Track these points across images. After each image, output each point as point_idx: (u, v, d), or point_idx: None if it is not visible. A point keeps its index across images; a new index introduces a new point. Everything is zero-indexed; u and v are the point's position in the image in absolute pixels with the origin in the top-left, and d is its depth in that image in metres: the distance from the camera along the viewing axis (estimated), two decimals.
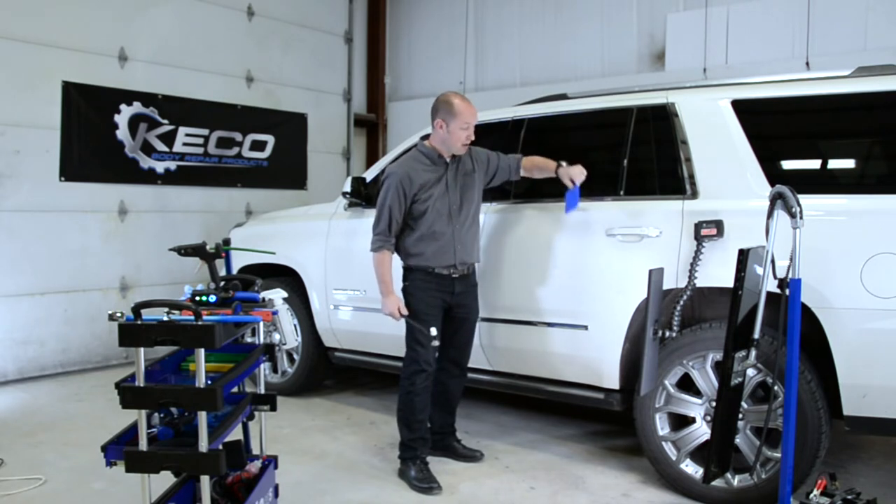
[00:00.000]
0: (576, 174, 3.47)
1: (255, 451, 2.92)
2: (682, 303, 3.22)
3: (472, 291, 3.66)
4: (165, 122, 6.14)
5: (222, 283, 2.74)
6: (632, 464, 3.73)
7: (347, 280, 4.49)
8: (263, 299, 2.74)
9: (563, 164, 3.54)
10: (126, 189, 5.96)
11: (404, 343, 3.56)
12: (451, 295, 3.53)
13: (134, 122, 5.94)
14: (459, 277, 3.53)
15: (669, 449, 3.31)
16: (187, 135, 6.33)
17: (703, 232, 3.11)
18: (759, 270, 2.77)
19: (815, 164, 3.39)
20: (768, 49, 5.67)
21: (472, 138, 3.49)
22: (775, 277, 2.68)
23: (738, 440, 3.10)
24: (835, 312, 2.89)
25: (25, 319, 5.42)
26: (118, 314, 2.27)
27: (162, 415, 2.38)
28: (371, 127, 8.46)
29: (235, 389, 2.67)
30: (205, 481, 2.30)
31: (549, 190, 3.80)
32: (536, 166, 3.66)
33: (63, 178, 5.55)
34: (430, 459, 3.57)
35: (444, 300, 3.51)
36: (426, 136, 3.62)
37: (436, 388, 3.64)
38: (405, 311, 3.46)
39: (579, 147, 4.17)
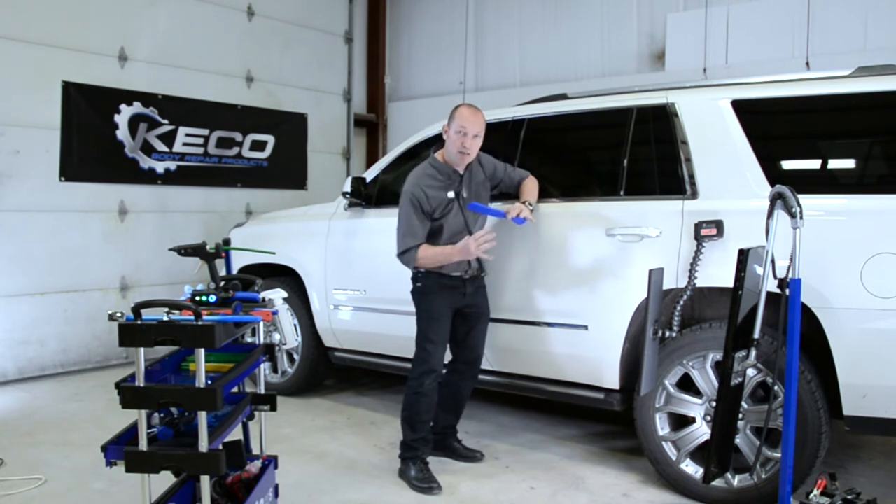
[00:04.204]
0: (515, 212, 3.39)
1: (255, 451, 2.93)
2: (682, 303, 3.22)
3: (483, 291, 3.67)
4: (165, 122, 6.14)
5: (222, 283, 2.74)
6: (632, 464, 3.73)
7: (347, 280, 4.49)
8: (263, 299, 2.74)
9: (529, 203, 3.49)
10: (126, 189, 5.96)
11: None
12: (463, 296, 3.53)
13: (134, 122, 5.94)
14: (471, 279, 3.54)
15: (669, 449, 3.31)
16: (187, 135, 6.33)
17: (703, 232, 3.12)
18: (759, 270, 2.76)
19: (815, 164, 3.39)
20: (768, 49, 5.67)
21: (470, 150, 3.40)
22: (775, 277, 2.68)
23: (738, 440, 3.10)
24: (835, 312, 2.89)
25: (25, 319, 5.42)
26: (118, 314, 2.27)
27: (162, 415, 2.38)
28: (371, 127, 8.46)
29: (235, 389, 2.67)
30: (205, 481, 2.30)
31: (551, 190, 3.81)
32: (521, 191, 3.66)
33: (63, 178, 5.55)
34: (431, 459, 3.57)
35: (455, 301, 3.51)
36: (438, 149, 3.57)
37: (445, 389, 3.63)
38: (487, 237, 3.31)
39: (579, 147, 4.17)
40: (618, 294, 3.40)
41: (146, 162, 6.06)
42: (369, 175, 4.50)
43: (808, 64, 5.43)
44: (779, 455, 2.90)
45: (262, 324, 2.78)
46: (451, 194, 3.44)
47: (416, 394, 3.48)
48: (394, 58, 8.39)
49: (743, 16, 5.82)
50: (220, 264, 3.06)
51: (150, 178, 6.10)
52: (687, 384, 3.29)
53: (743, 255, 2.71)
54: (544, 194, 3.72)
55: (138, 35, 5.99)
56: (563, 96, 3.99)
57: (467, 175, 3.52)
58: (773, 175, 3.12)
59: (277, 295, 2.85)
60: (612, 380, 3.49)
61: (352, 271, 4.47)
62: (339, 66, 7.94)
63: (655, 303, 3.12)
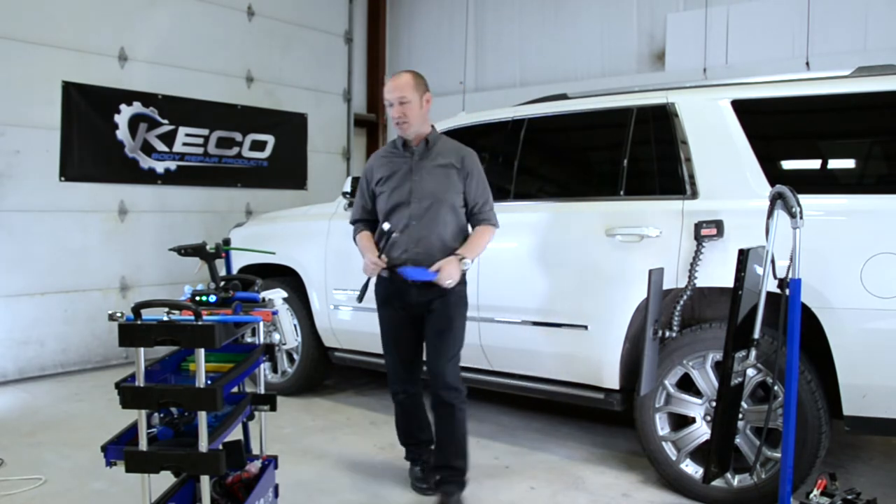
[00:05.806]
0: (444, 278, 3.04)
1: (255, 451, 2.92)
2: (682, 303, 3.22)
3: (443, 302, 3.15)
4: (165, 122, 6.14)
5: (222, 283, 2.74)
6: (632, 464, 3.73)
7: (347, 280, 4.49)
8: (263, 299, 2.74)
9: (466, 260, 3.10)
10: (126, 189, 5.96)
11: None
12: (411, 304, 3.19)
13: (134, 122, 5.94)
14: (421, 286, 3.11)
15: (669, 449, 3.31)
16: (187, 135, 6.33)
17: (703, 232, 3.12)
18: (759, 270, 2.76)
19: (815, 164, 3.39)
20: (768, 49, 5.68)
21: (406, 118, 3.11)
22: (775, 277, 2.68)
23: (738, 440, 3.10)
24: (835, 312, 2.89)
25: (25, 319, 5.42)
26: (118, 314, 2.27)
27: (162, 415, 2.38)
28: (371, 127, 8.47)
29: (235, 389, 2.67)
30: (205, 481, 2.30)
31: (550, 189, 3.81)
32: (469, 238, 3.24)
33: (63, 178, 5.55)
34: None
35: (404, 308, 3.23)
36: None
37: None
38: (384, 260, 3.10)
39: (580, 147, 4.17)
40: (618, 294, 3.40)
41: (146, 162, 6.06)
42: None
43: (808, 64, 5.44)
44: (779, 455, 2.90)
45: (262, 324, 2.77)
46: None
47: (395, 405, 3.47)
48: (394, 58, 8.39)
49: (743, 16, 5.82)
50: (220, 264, 3.06)
51: (150, 178, 6.10)
52: (687, 384, 3.29)
53: (743, 255, 2.71)
54: (544, 194, 3.73)
55: (138, 35, 5.99)
56: (563, 96, 3.99)
57: (426, 151, 3.19)
58: (773, 175, 3.12)
59: (277, 295, 2.85)
60: (612, 380, 3.49)
61: (352, 271, 4.43)
62: (339, 66, 7.94)
63: (655, 303, 3.12)
